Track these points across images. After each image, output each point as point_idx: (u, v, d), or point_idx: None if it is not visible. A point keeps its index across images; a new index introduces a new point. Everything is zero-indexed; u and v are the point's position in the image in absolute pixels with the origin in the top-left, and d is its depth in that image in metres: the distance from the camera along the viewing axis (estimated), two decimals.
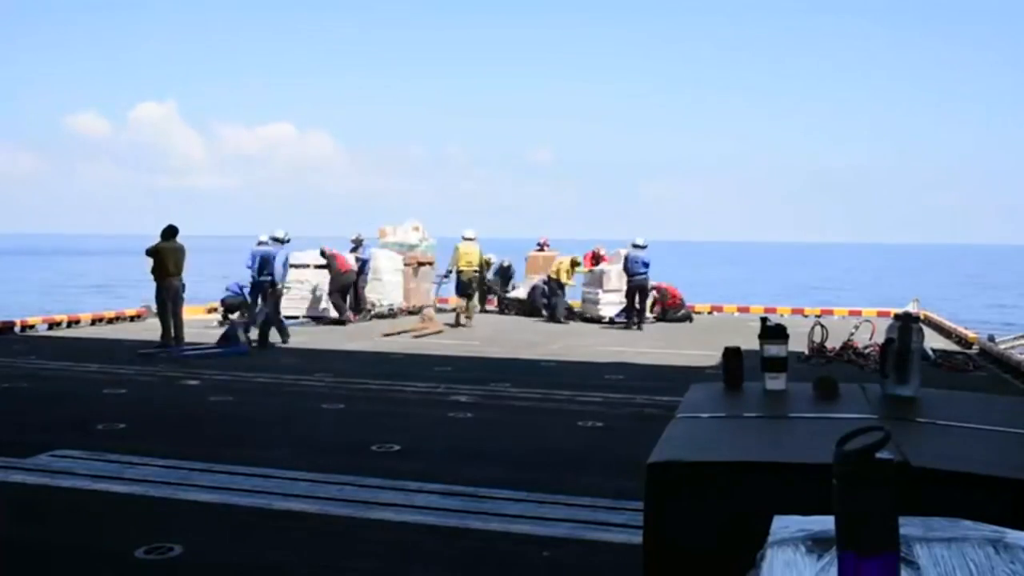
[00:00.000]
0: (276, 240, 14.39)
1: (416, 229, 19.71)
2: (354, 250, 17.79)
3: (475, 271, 16.74)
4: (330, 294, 16.75)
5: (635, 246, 16.38)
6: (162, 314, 12.78)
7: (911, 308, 15.79)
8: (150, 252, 12.79)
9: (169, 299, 12.69)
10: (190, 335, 13.51)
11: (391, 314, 17.76)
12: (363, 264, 17.71)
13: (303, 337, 14.25)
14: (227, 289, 16.78)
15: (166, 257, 12.68)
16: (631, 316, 16.18)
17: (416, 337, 14.48)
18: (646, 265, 16.10)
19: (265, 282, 13.92)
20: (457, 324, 16.12)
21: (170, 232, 12.85)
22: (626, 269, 16.27)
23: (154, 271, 12.78)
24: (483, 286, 18.13)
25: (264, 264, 14.01)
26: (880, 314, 16.58)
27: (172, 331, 12.63)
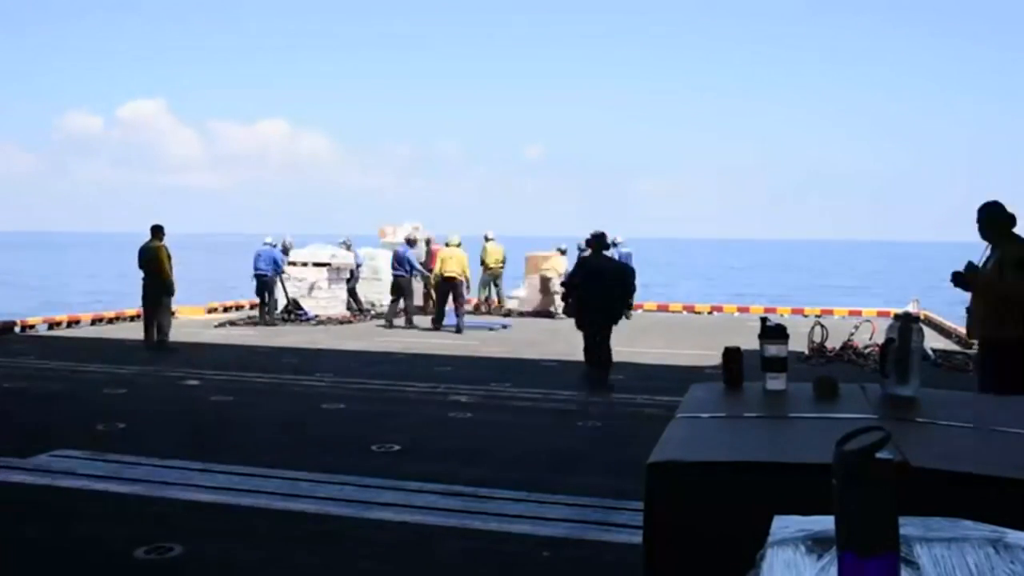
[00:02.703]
0: (267, 244, 16.65)
1: (416, 229, 19.73)
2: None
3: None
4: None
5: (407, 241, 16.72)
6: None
7: (911, 308, 15.80)
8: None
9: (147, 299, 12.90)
10: (190, 335, 13.49)
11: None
12: (357, 266, 18.11)
13: (303, 336, 14.26)
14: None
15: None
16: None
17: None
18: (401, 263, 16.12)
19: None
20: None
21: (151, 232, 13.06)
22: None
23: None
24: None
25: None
26: (880, 314, 16.58)
27: (151, 331, 12.67)
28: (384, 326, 15.89)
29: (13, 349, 12.45)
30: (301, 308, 16.78)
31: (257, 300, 16.92)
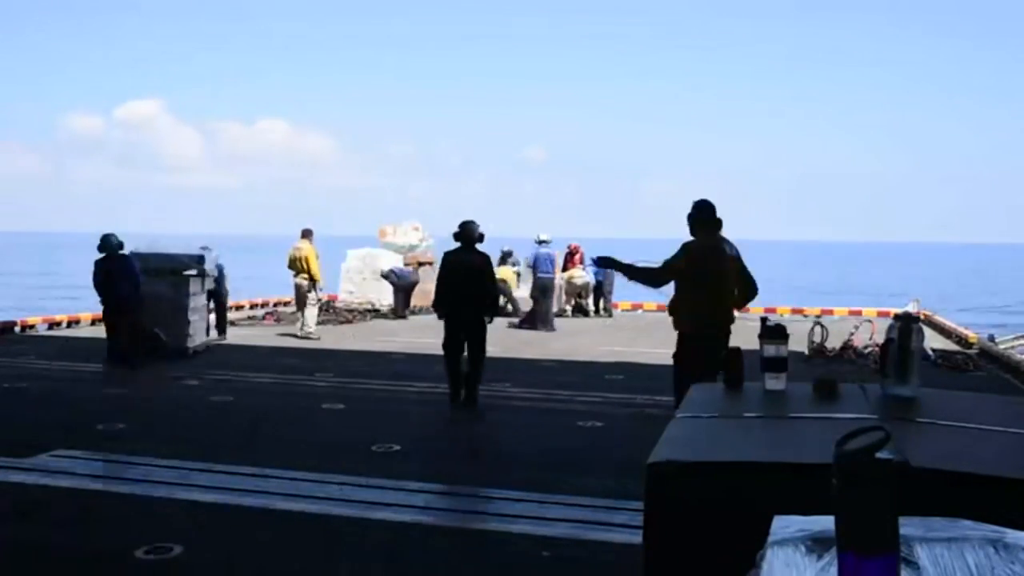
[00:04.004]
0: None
1: (416, 229, 19.73)
2: None
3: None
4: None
5: (540, 242, 16.16)
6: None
7: (911, 308, 15.80)
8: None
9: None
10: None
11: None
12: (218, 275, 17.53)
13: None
14: None
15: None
16: (540, 317, 15.61)
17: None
18: (552, 263, 15.94)
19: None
20: None
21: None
22: (534, 267, 16.10)
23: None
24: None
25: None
26: (880, 314, 16.57)
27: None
28: (546, 329, 15.31)
29: (13, 349, 12.43)
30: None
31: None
